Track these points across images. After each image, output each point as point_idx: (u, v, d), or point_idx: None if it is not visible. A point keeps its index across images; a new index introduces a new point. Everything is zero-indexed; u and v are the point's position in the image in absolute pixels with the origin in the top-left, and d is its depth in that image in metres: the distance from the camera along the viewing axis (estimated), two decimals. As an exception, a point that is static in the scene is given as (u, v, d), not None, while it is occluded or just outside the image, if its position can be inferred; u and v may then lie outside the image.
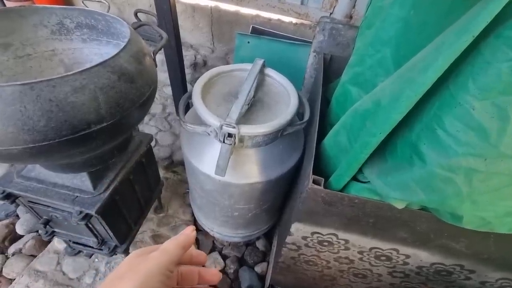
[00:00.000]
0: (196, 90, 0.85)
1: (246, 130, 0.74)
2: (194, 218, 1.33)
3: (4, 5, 1.82)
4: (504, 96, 0.35)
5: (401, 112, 0.41)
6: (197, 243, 1.30)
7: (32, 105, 0.50)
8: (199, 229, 1.34)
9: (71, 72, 0.53)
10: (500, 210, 0.43)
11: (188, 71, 1.94)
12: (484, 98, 0.36)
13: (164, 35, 0.79)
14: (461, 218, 0.46)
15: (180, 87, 1.46)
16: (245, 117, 0.82)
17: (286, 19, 1.72)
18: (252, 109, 0.86)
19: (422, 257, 0.68)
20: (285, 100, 0.90)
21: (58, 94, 0.52)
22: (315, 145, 0.67)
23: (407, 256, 0.69)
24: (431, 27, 0.49)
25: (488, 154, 0.38)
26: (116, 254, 1.00)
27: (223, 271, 1.24)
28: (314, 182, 0.58)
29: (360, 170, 0.56)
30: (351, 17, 1.52)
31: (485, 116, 0.36)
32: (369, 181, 0.54)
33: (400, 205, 0.52)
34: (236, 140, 0.74)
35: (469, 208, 0.43)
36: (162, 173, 1.50)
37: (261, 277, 1.22)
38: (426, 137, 0.43)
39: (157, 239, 1.25)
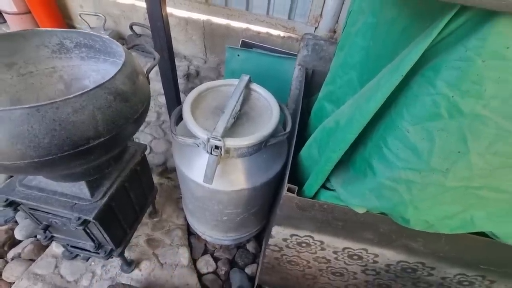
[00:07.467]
0: (186, 105, 0.92)
1: (231, 142, 0.81)
2: (187, 222, 1.39)
3: (3, 18, 1.88)
4: (430, 122, 0.43)
5: (354, 132, 0.49)
6: (190, 247, 1.36)
7: (38, 125, 0.57)
8: (191, 233, 1.41)
9: (72, 95, 0.60)
10: (439, 214, 0.51)
11: (181, 81, 2.02)
12: (415, 123, 0.44)
13: (157, 55, 0.87)
14: (409, 221, 0.54)
15: (174, 96, 1.54)
16: (231, 130, 0.89)
17: (274, 32, 1.82)
18: (238, 122, 0.93)
19: (388, 255, 0.76)
20: (268, 114, 0.97)
21: (61, 115, 0.59)
22: (292, 156, 0.74)
23: (376, 255, 0.77)
24: (384, 59, 0.58)
25: (422, 168, 0.46)
26: (112, 257, 1.06)
27: (214, 272, 1.30)
28: (289, 190, 0.65)
29: (328, 179, 0.64)
30: (334, 32, 1.61)
31: (417, 138, 0.44)
32: (334, 189, 0.62)
33: (360, 210, 0.60)
34: (223, 152, 0.81)
35: (413, 212, 0.52)
36: (156, 179, 1.56)
37: (251, 278, 1.29)
38: (376, 153, 0.51)
39: (152, 242, 1.31)
